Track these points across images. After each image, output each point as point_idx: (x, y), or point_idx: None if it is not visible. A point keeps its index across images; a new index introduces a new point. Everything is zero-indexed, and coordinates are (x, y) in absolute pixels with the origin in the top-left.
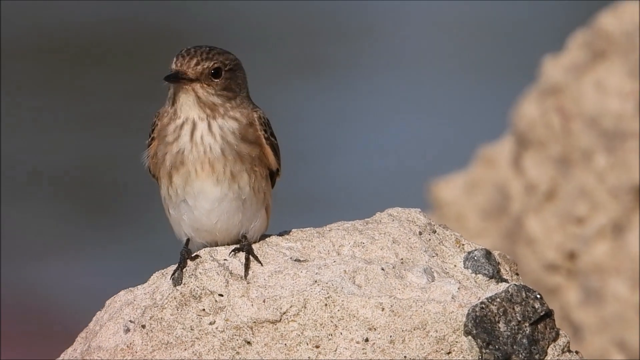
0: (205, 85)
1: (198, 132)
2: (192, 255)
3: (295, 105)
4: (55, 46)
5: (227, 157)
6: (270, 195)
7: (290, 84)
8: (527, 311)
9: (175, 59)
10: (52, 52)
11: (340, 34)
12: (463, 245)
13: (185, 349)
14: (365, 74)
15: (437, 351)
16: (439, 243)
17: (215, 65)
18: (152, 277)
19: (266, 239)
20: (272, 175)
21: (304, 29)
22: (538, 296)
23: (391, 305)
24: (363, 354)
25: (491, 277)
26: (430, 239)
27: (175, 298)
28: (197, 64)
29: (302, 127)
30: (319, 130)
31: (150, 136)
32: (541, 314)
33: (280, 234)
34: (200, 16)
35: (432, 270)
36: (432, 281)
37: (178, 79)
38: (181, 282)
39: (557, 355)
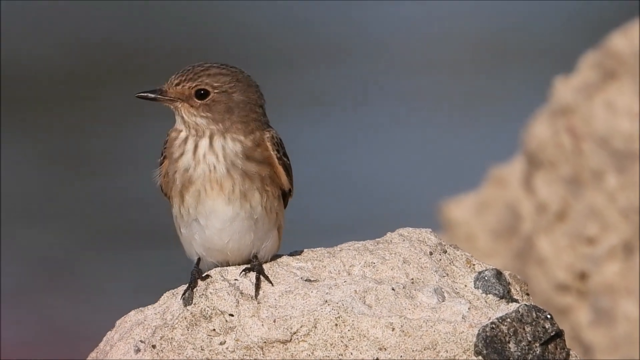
0: (187, 105)
1: (200, 150)
2: (203, 275)
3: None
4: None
5: (234, 176)
6: (282, 216)
7: (293, 107)
8: (538, 331)
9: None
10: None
11: (348, 51)
12: (474, 265)
13: None
14: (374, 92)
15: None
16: (450, 263)
17: (199, 87)
18: (162, 297)
19: (277, 259)
20: (285, 196)
21: (311, 50)
22: (548, 316)
23: (402, 325)
24: None
25: (502, 297)
26: (440, 259)
27: (185, 318)
28: (179, 84)
29: (312, 147)
30: (329, 150)
31: (162, 154)
32: (552, 334)
33: (291, 254)
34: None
35: (443, 290)
36: (443, 301)
37: (150, 97)
38: (192, 302)
39: None
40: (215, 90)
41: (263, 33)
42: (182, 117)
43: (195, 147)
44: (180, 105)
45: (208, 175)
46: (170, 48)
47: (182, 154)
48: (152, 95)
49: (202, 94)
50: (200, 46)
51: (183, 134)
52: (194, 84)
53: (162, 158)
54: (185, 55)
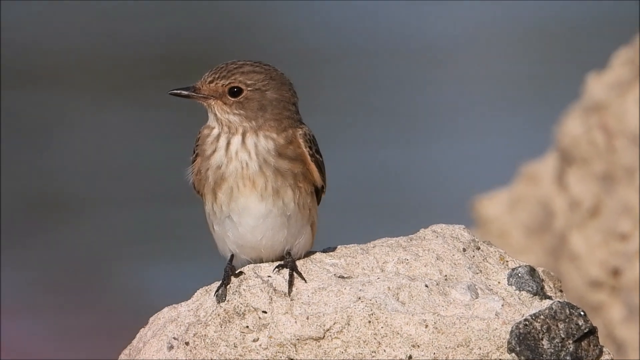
0: (220, 103)
1: (233, 147)
2: (236, 272)
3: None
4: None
5: (266, 173)
6: (315, 212)
7: (329, 112)
8: (571, 328)
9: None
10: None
11: (379, 45)
12: (507, 262)
13: None
14: (407, 91)
15: None
16: (483, 260)
17: (232, 85)
18: (195, 293)
19: (310, 256)
20: (317, 192)
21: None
22: (582, 313)
23: (435, 322)
24: None
25: (535, 294)
26: (474, 256)
27: (218, 315)
28: (212, 81)
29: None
30: (364, 149)
31: (194, 152)
32: (585, 331)
33: (324, 251)
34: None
35: (476, 287)
36: (476, 298)
37: (183, 94)
38: (225, 299)
39: None
40: (249, 88)
41: (300, 32)
42: (215, 115)
43: (228, 144)
44: (213, 103)
45: (240, 172)
46: (207, 45)
47: (214, 151)
48: (186, 93)
49: (235, 92)
50: (237, 43)
51: (215, 131)
52: (227, 82)
53: (194, 156)
54: (220, 52)
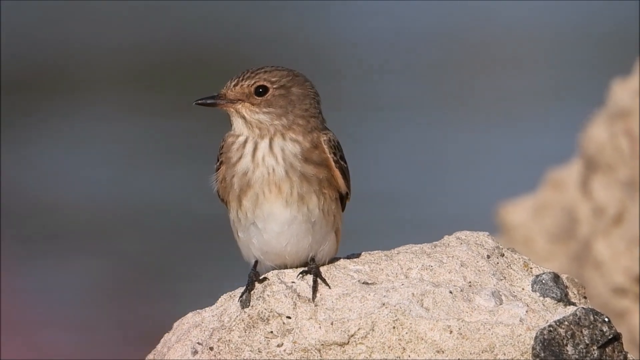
0: (248, 104)
1: (259, 152)
2: (260, 278)
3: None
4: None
5: (292, 178)
6: (340, 219)
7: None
8: (595, 334)
9: None
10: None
11: (402, 52)
12: (531, 268)
13: None
14: (429, 95)
15: None
16: (507, 266)
17: (257, 84)
18: (220, 299)
19: (334, 262)
20: (342, 199)
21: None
22: (606, 319)
23: (459, 328)
24: None
25: (559, 301)
26: (498, 262)
27: (243, 320)
28: (237, 84)
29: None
30: (388, 152)
31: (218, 160)
32: (609, 337)
33: (348, 257)
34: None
35: (500, 293)
36: (500, 304)
37: (209, 103)
38: (249, 305)
39: None
40: (274, 85)
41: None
42: (244, 118)
43: (254, 149)
44: (240, 106)
45: (267, 178)
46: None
47: (240, 158)
48: (211, 101)
49: (261, 91)
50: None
51: (242, 138)
52: (253, 82)
53: (218, 164)
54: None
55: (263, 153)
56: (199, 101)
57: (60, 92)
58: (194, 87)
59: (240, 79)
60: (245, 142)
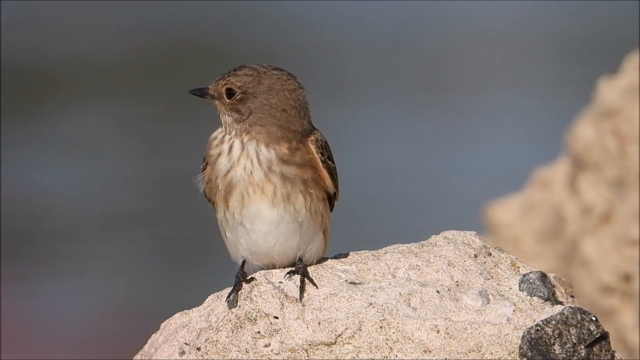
0: (220, 104)
1: (235, 151)
2: (248, 278)
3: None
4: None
5: (272, 179)
6: (328, 219)
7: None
8: (583, 333)
9: None
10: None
11: (405, 55)
12: (518, 267)
13: None
14: (420, 96)
15: None
16: (494, 266)
17: (227, 86)
18: (207, 299)
19: (321, 262)
20: (330, 199)
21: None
22: (593, 318)
23: (446, 328)
24: None
25: (546, 300)
26: (485, 262)
27: (230, 320)
28: (217, 82)
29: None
30: (374, 152)
31: (203, 160)
32: (596, 336)
33: (336, 257)
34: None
35: (488, 292)
36: (488, 304)
37: (197, 94)
38: (236, 305)
39: None
40: (240, 90)
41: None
42: (218, 115)
43: (230, 148)
44: (217, 103)
45: (247, 179)
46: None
47: (219, 155)
48: (199, 93)
49: (231, 93)
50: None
51: (220, 135)
52: (224, 82)
53: (204, 164)
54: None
55: (238, 152)
56: (192, 91)
57: (49, 95)
58: (191, 86)
59: (220, 77)
60: (223, 138)
